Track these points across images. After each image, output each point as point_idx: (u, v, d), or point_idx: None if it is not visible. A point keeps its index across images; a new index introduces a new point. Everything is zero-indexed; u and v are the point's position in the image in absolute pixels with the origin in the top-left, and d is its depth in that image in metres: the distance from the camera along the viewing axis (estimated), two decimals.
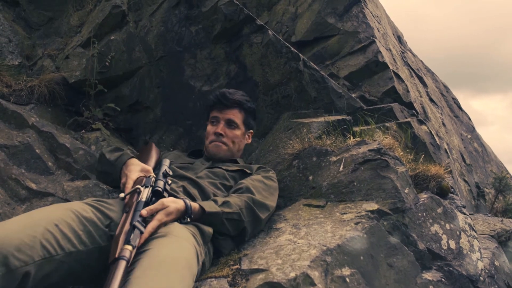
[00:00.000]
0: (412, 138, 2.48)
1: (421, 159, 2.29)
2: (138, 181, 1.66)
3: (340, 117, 2.41)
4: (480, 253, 1.96)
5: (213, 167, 2.02)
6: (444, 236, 1.88)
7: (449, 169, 2.30)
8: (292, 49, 2.57)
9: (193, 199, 1.73)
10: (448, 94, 4.46)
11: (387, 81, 2.74)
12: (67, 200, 2.19)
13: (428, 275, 1.75)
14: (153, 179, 1.63)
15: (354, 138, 2.19)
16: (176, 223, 1.50)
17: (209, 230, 1.58)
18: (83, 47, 2.94)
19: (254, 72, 2.63)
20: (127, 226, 1.34)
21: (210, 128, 2.18)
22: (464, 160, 3.68)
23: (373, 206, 1.78)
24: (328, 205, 1.91)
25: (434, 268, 1.80)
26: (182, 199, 1.57)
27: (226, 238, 1.68)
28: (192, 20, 2.75)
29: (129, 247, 1.25)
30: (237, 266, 1.52)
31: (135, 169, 1.74)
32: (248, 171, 2.04)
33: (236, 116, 2.17)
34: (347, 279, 1.48)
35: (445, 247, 1.86)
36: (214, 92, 2.24)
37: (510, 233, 2.51)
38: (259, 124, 2.56)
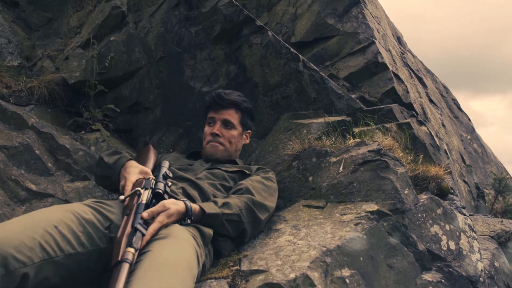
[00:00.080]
0: (412, 139, 2.48)
1: (421, 160, 2.29)
2: (137, 183, 1.65)
3: (339, 118, 2.41)
4: (480, 254, 1.96)
5: (212, 168, 2.02)
6: (444, 237, 1.88)
7: (448, 170, 2.30)
8: (292, 50, 2.57)
9: (193, 200, 1.73)
10: (448, 95, 4.46)
11: (387, 82, 2.75)
12: (66, 201, 2.19)
13: (428, 276, 1.75)
14: (152, 181, 1.62)
15: (353, 139, 2.19)
16: (176, 225, 1.50)
17: (209, 231, 1.58)
18: (83, 48, 2.94)
19: (253, 73, 2.63)
20: (128, 229, 1.34)
21: (207, 129, 2.18)
22: (463, 161, 3.68)
23: (373, 207, 1.78)
24: (327, 206, 1.91)
25: (434, 269, 1.80)
26: (182, 200, 1.57)
27: (226, 239, 1.68)
28: (192, 21, 2.75)
29: (132, 250, 1.25)
30: (237, 267, 1.52)
31: (134, 171, 1.74)
32: (248, 172, 2.04)
33: (233, 116, 2.17)
34: (347, 280, 1.47)
35: (445, 248, 1.86)
36: (210, 93, 2.25)
37: (510, 234, 2.51)
38: (259, 125, 2.56)
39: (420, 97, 3.17)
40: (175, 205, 1.52)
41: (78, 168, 2.42)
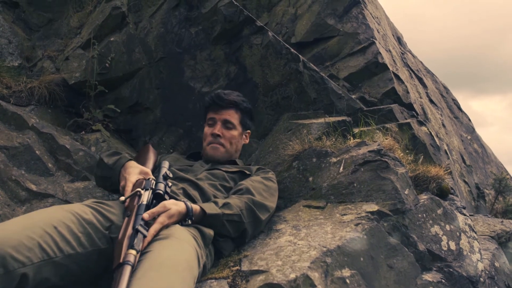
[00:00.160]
0: (412, 139, 2.48)
1: (421, 160, 2.29)
2: (137, 183, 1.65)
3: (340, 118, 2.41)
4: (480, 254, 1.96)
5: (212, 168, 2.03)
6: (444, 237, 1.88)
7: (449, 170, 2.30)
8: (292, 50, 2.57)
9: (194, 201, 1.73)
10: (448, 95, 4.46)
11: (387, 82, 2.74)
12: (67, 202, 2.19)
13: (428, 276, 1.75)
14: (153, 181, 1.62)
15: (354, 139, 2.19)
16: (177, 225, 1.50)
17: (210, 232, 1.58)
18: (83, 49, 2.94)
19: (254, 73, 2.64)
20: (129, 230, 1.34)
21: (207, 129, 2.18)
22: (464, 161, 3.68)
23: (373, 207, 1.78)
24: (328, 206, 1.91)
25: (434, 269, 1.80)
26: (183, 201, 1.57)
27: (227, 239, 1.68)
28: (192, 22, 2.75)
29: (133, 252, 1.25)
30: (237, 267, 1.52)
31: (134, 171, 1.73)
32: (248, 172, 2.04)
33: (233, 116, 2.17)
34: (347, 280, 1.47)
35: (445, 248, 1.86)
36: (209, 94, 2.25)
37: (510, 234, 2.51)
38: (259, 125, 2.57)
39: (420, 98, 3.17)
40: (175, 205, 1.52)
41: (78, 168, 2.42)
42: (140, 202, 1.48)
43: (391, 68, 2.82)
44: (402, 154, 2.13)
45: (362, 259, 1.58)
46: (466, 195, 3.35)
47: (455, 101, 4.55)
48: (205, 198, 1.80)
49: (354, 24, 2.98)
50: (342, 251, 1.54)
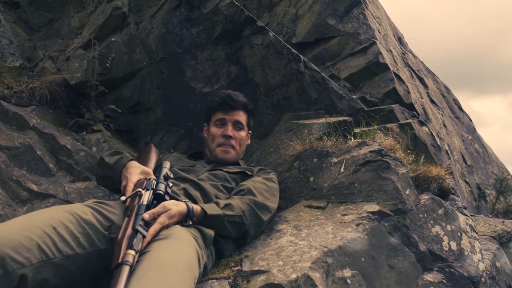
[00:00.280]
0: (413, 140, 2.48)
1: (422, 160, 2.28)
2: (138, 183, 1.65)
3: (341, 119, 2.41)
4: (481, 254, 1.95)
5: (214, 169, 2.02)
6: (445, 237, 1.88)
7: (450, 170, 2.30)
8: (293, 50, 2.57)
9: (195, 201, 1.73)
10: (449, 95, 4.46)
11: (388, 82, 2.74)
12: (68, 202, 2.20)
13: (429, 277, 1.75)
14: (154, 181, 1.62)
15: (355, 139, 2.19)
16: (177, 226, 1.49)
17: (210, 233, 1.58)
18: (84, 49, 2.94)
19: (254, 74, 2.64)
20: (129, 230, 1.33)
21: (216, 130, 2.14)
22: (465, 161, 3.68)
23: (374, 207, 1.78)
24: (329, 206, 1.91)
25: (435, 269, 1.80)
26: (184, 201, 1.57)
27: (228, 240, 1.68)
28: (193, 22, 2.76)
29: (132, 252, 1.24)
30: (238, 268, 1.52)
31: (135, 171, 1.73)
32: (249, 173, 2.04)
33: (242, 117, 2.17)
34: (348, 281, 1.47)
35: (446, 248, 1.86)
36: (218, 94, 2.22)
37: (511, 234, 2.51)
38: (260, 125, 2.57)
39: (421, 98, 3.17)
40: (176, 206, 1.51)
41: (79, 168, 2.42)
42: (141, 202, 1.48)
43: (392, 68, 2.82)
44: (403, 154, 2.13)
45: (363, 259, 1.58)
46: (467, 195, 3.34)
47: (456, 101, 4.54)
48: (207, 198, 1.80)
49: (355, 24, 2.97)
50: (343, 251, 1.54)
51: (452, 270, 1.80)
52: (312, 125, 2.36)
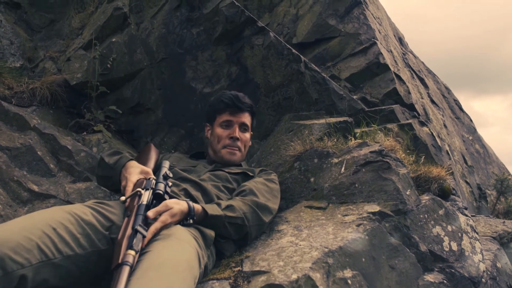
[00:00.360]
0: (414, 140, 2.48)
1: (423, 160, 2.28)
2: (138, 183, 1.65)
3: (341, 119, 2.41)
4: (482, 254, 1.95)
5: (215, 170, 2.02)
6: (445, 238, 1.88)
7: (450, 171, 2.29)
8: (293, 51, 2.57)
9: (196, 201, 1.73)
10: (450, 96, 4.46)
11: (388, 82, 2.75)
12: (69, 202, 2.20)
13: (430, 277, 1.75)
14: (153, 181, 1.62)
15: (355, 140, 2.19)
16: (178, 226, 1.50)
17: (211, 233, 1.58)
18: (85, 49, 2.94)
19: (255, 74, 2.64)
20: (129, 231, 1.33)
21: (222, 131, 2.12)
22: (465, 162, 3.68)
23: (375, 207, 1.78)
24: (329, 207, 1.91)
25: (436, 270, 1.80)
26: (185, 200, 1.58)
27: (228, 240, 1.68)
28: (194, 22, 2.76)
29: (132, 252, 1.24)
30: (238, 268, 1.52)
31: (134, 171, 1.73)
32: (251, 174, 2.04)
33: (248, 119, 2.16)
34: (349, 281, 1.47)
35: (446, 249, 1.86)
36: (224, 95, 2.17)
37: None
38: (261, 125, 2.57)
39: (422, 98, 3.17)
40: (178, 204, 1.52)
41: (80, 169, 2.42)
42: (140, 202, 1.48)
43: (392, 69, 2.82)
44: (403, 155, 2.13)
45: (363, 259, 1.58)
46: (468, 195, 3.34)
47: (456, 102, 4.55)
48: (208, 199, 1.80)
49: (356, 24, 2.98)
50: (344, 252, 1.54)
51: (453, 270, 1.80)
52: (313, 126, 2.36)
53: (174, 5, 2.81)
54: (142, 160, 1.92)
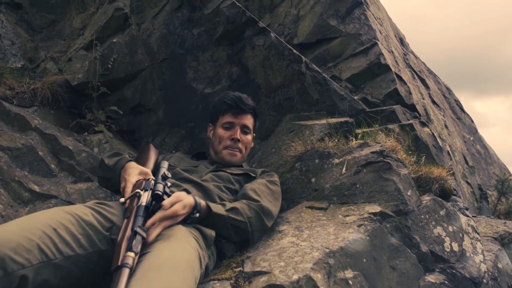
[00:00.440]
0: (415, 140, 2.47)
1: (424, 161, 2.28)
2: (137, 184, 1.64)
3: (342, 119, 2.41)
4: (483, 255, 1.95)
5: (217, 170, 2.02)
6: (447, 238, 1.88)
7: (451, 171, 2.29)
8: (294, 51, 2.57)
9: None
10: (451, 96, 4.45)
11: (389, 83, 2.74)
12: (70, 202, 2.20)
13: (431, 278, 1.75)
14: (152, 181, 1.62)
15: (356, 140, 2.19)
16: (179, 226, 1.50)
17: (211, 233, 1.58)
18: (86, 50, 2.95)
19: (256, 75, 2.64)
20: (128, 232, 1.33)
21: (223, 132, 2.12)
22: (466, 162, 3.68)
23: (376, 208, 1.78)
24: (330, 207, 1.91)
25: (437, 270, 1.80)
26: (191, 195, 1.58)
27: (229, 241, 1.68)
28: (195, 23, 2.76)
29: (132, 254, 1.24)
30: (240, 269, 1.52)
31: (133, 172, 1.73)
32: (253, 175, 2.03)
33: (250, 121, 2.16)
34: (350, 282, 1.47)
35: (448, 249, 1.86)
36: (227, 96, 2.16)
37: None
38: (261, 126, 2.57)
39: (423, 98, 3.16)
40: (186, 197, 1.54)
41: (81, 169, 2.42)
42: (139, 203, 1.48)
43: (393, 69, 2.82)
44: (404, 155, 2.13)
45: (364, 260, 1.58)
46: (469, 196, 3.34)
47: (457, 102, 4.54)
48: (210, 199, 1.79)
49: (357, 25, 2.98)
50: (345, 252, 1.54)
51: (454, 271, 1.80)
52: (314, 126, 2.36)
53: (175, 6, 2.81)
54: (142, 161, 1.92)
